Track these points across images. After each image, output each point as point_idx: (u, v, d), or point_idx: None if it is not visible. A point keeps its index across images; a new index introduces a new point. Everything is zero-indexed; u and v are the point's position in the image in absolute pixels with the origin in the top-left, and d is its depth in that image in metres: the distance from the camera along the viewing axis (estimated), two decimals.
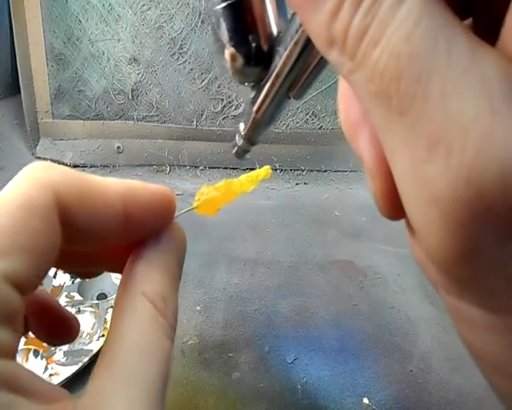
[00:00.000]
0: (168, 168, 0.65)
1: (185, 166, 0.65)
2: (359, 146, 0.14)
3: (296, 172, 0.65)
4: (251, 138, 0.19)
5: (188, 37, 0.61)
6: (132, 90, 0.64)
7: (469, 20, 0.14)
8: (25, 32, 0.62)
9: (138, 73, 0.63)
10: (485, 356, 0.13)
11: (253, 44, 0.15)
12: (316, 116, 0.65)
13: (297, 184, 0.64)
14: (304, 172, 0.65)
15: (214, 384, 0.32)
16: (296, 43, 0.15)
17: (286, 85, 0.16)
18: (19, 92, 0.65)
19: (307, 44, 0.15)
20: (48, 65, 0.64)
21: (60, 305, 0.19)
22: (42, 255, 0.14)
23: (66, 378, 0.30)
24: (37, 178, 0.15)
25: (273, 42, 0.16)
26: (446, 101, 0.09)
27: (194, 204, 0.24)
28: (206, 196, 0.23)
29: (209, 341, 0.35)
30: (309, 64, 0.15)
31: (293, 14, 0.15)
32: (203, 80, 0.63)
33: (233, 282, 0.42)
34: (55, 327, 0.19)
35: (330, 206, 0.57)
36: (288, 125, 0.65)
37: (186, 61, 0.62)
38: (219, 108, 0.64)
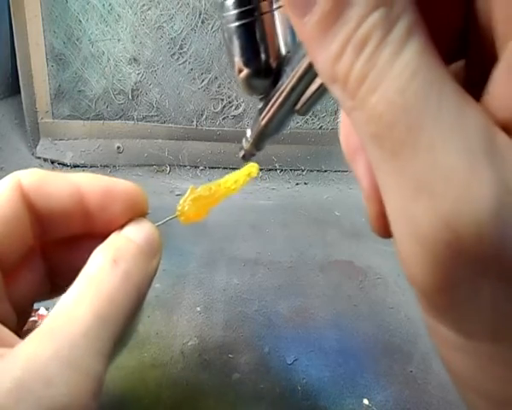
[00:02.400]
0: (168, 168, 0.65)
1: (185, 166, 0.65)
2: (357, 170, 0.16)
3: (296, 172, 0.65)
4: (257, 145, 0.20)
5: (188, 37, 0.61)
6: (132, 90, 0.64)
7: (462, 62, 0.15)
8: (25, 32, 0.62)
9: (138, 73, 0.63)
10: (460, 375, 0.14)
11: (263, 61, 0.17)
12: (316, 116, 0.65)
13: (297, 184, 0.64)
14: (304, 172, 0.65)
15: (214, 385, 0.32)
16: (303, 68, 0.16)
17: (291, 103, 0.17)
18: (19, 92, 0.65)
19: (313, 69, 0.15)
20: (48, 65, 0.64)
21: None
22: (12, 233, 0.19)
23: None
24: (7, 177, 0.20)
25: (281, 60, 0.17)
26: (433, 152, 0.10)
27: (177, 213, 0.24)
28: (190, 207, 0.23)
29: (209, 342, 0.35)
30: (313, 86, 0.16)
31: None
32: (203, 80, 0.63)
33: (233, 282, 0.42)
34: None
35: (330, 206, 0.57)
36: (287, 125, 0.64)
37: (186, 61, 0.62)
38: (219, 108, 0.64)
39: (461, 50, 0.15)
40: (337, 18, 0.11)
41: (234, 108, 0.64)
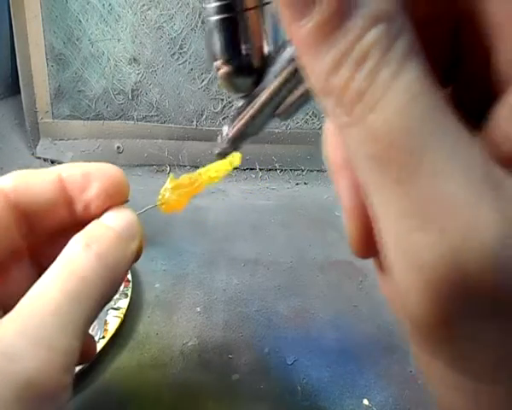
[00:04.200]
0: (168, 168, 0.65)
1: (185, 166, 0.65)
2: (340, 187, 0.15)
3: (296, 172, 0.65)
4: (233, 144, 0.19)
5: (188, 37, 0.61)
6: (132, 90, 0.64)
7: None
8: (25, 32, 0.62)
9: (138, 73, 0.63)
10: (448, 406, 0.13)
11: (244, 59, 0.16)
12: (316, 116, 0.64)
13: (297, 184, 0.64)
14: (304, 172, 0.65)
15: (214, 386, 0.32)
16: (287, 72, 0.15)
17: (272, 107, 0.16)
18: (19, 92, 0.65)
19: (298, 75, 0.15)
20: (48, 65, 0.64)
21: None
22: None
23: None
24: None
25: (264, 59, 0.16)
26: (437, 179, 0.10)
27: (158, 202, 0.24)
28: (170, 195, 0.23)
29: (209, 342, 0.35)
30: (298, 92, 0.16)
31: (289, 40, 0.15)
32: (203, 80, 0.63)
33: (233, 283, 0.42)
34: None
35: (330, 206, 0.57)
36: (288, 125, 0.64)
37: (186, 61, 0.62)
38: (219, 108, 0.64)
39: (449, 78, 0.15)
40: (337, 26, 0.10)
41: (234, 108, 0.64)
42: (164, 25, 0.61)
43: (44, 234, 0.22)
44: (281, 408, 0.30)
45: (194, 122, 0.65)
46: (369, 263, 0.17)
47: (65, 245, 0.20)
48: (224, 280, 0.42)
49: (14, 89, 0.68)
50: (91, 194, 0.22)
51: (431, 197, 0.10)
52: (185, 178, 0.24)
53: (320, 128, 0.65)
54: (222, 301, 0.39)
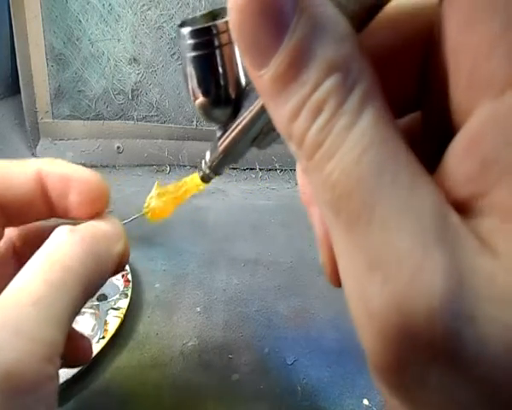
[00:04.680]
0: (168, 168, 0.65)
1: (185, 166, 0.65)
2: (311, 217, 0.16)
3: (296, 172, 0.65)
4: (215, 170, 0.20)
5: None
6: (132, 90, 0.64)
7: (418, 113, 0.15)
8: (25, 32, 0.62)
9: (138, 73, 0.63)
10: None
11: (222, 92, 0.16)
12: None
13: (297, 184, 0.64)
14: None
15: (214, 386, 0.32)
16: (260, 106, 0.15)
17: (249, 138, 0.17)
18: (19, 92, 0.65)
19: None
20: (48, 65, 0.64)
21: (72, 327, 0.20)
22: None
23: (66, 381, 0.30)
24: None
25: (241, 90, 0.16)
26: (386, 231, 0.10)
27: (144, 211, 0.24)
28: (156, 202, 0.24)
29: (209, 342, 0.35)
30: (272, 125, 0.16)
31: None
32: None
33: (233, 283, 0.42)
34: (70, 349, 0.19)
35: None
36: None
37: None
38: None
39: (418, 102, 0.15)
40: (293, 78, 0.11)
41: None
42: (164, 25, 0.61)
43: (23, 224, 0.22)
44: (281, 408, 0.30)
45: (194, 122, 0.65)
46: None
47: (47, 238, 0.19)
48: (224, 280, 0.42)
49: (14, 89, 0.68)
50: (71, 201, 0.21)
51: (380, 247, 0.10)
52: (171, 185, 0.24)
53: None
54: (222, 301, 0.39)
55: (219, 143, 0.18)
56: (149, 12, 0.60)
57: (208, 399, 0.31)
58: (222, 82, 0.16)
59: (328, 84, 0.10)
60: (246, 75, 0.16)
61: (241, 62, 0.16)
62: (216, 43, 0.15)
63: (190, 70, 0.16)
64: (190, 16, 0.16)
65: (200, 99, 0.16)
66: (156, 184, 0.24)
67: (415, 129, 0.15)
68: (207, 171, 0.20)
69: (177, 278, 0.42)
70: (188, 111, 0.64)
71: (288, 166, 0.65)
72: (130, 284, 0.39)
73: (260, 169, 0.65)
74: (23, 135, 0.67)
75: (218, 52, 0.15)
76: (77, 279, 0.18)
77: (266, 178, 0.65)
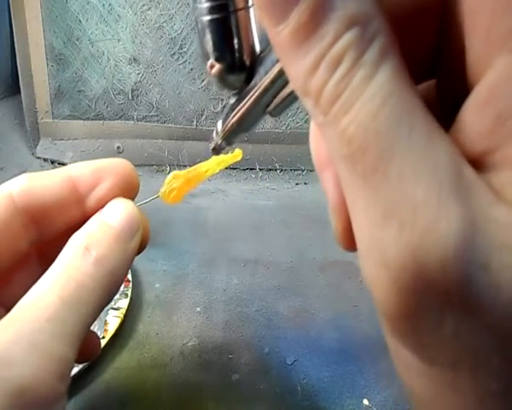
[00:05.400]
0: (168, 168, 0.65)
1: (185, 166, 0.65)
2: (325, 182, 0.16)
3: (296, 172, 0.65)
4: (227, 139, 0.20)
5: (188, 37, 0.61)
6: (132, 90, 0.64)
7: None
8: (25, 32, 0.62)
9: (138, 73, 0.63)
10: (421, 399, 0.14)
11: (236, 57, 0.16)
12: None
13: (297, 184, 0.64)
14: (304, 172, 0.65)
15: (214, 386, 0.32)
16: (276, 71, 0.15)
17: (263, 104, 0.17)
18: (19, 92, 0.65)
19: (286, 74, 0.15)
20: (48, 65, 0.64)
21: None
22: (3, 242, 0.20)
23: None
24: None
25: (256, 57, 0.16)
26: (403, 182, 0.10)
27: (160, 193, 0.25)
28: (171, 186, 0.24)
29: (209, 342, 0.35)
30: (288, 89, 0.16)
31: None
32: (203, 80, 0.63)
33: (233, 283, 0.42)
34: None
35: None
36: (288, 125, 0.64)
37: (186, 61, 0.62)
38: (219, 108, 0.64)
39: (433, 69, 0.15)
40: (312, 31, 0.11)
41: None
42: (164, 25, 0.61)
43: (55, 234, 0.22)
44: (281, 408, 0.30)
45: (194, 122, 0.65)
46: None
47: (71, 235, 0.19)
48: (224, 280, 0.42)
49: (14, 89, 0.68)
50: (102, 190, 0.21)
51: (396, 198, 0.10)
52: (186, 170, 0.25)
53: None
54: (222, 301, 0.39)
55: (233, 110, 0.18)
56: (149, 12, 0.60)
57: (208, 399, 0.31)
58: (237, 47, 0.16)
59: (348, 36, 0.10)
60: (260, 42, 0.16)
61: (256, 28, 0.16)
62: (231, 7, 0.15)
63: (205, 34, 0.16)
64: (190, 16, 0.16)
65: (216, 66, 0.16)
66: (173, 173, 0.25)
67: (429, 97, 0.15)
68: (219, 141, 0.20)
69: (177, 278, 0.42)
70: (188, 111, 0.64)
71: (287, 166, 0.65)
72: (130, 284, 0.39)
73: (260, 169, 0.65)
74: (23, 135, 0.67)
75: (233, 16, 0.15)
76: (91, 296, 0.18)
77: (266, 178, 0.65)
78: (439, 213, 0.10)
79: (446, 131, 0.11)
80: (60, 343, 0.17)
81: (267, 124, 0.64)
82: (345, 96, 0.11)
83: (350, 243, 0.15)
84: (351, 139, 0.11)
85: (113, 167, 0.22)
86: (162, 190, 0.25)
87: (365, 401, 0.31)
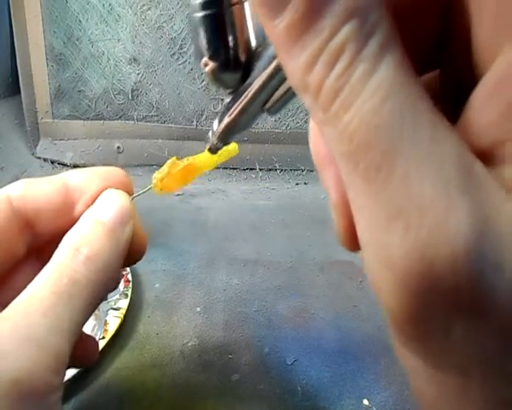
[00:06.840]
0: None
1: None
2: (326, 180, 0.15)
3: (296, 172, 0.65)
4: (223, 139, 0.19)
5: (188, 37, 0.61)
6: (132, 90, 0.64)
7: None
8: (25, 32, 0.62)
9: (138, 73, 0.63)
10: (427, 404, 0.13)
11: (231, 54, 0.15)
12: None
13: (297, 184, 0.64)
14: (304, 172, 0.65)
15: (214, 386, 0.32)
16: (272, 67, 0.15)
17: (260, 102, 0.16)
18: (19, 92, 0.65)
19: (283, 70, 0.15)
20: (48, 65, 0.64)
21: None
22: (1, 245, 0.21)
23: (66, 381, 0.30)
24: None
25: (251, 53, 0.16)
26: (408, 180, 0.10)
27: (152, 184, 0.24)
28: (164, 174, 0.24)
29: (209, 342, 0.35)
30: (285, 86, 0.15)
31: None
32: (203, 80, 0.63)
33: (233, 283, 0.42)
34: (76, 349, 0.19)
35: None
36: (288, 125, 0.64)
37: (186, 61, 0.62)
38: (219, 108, 0.64)
39: (437, 60, 0.14)
40: (310, 25, 0.10)
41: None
42: (164, 25, 0.61)
43: (50, 237, 0.23)
44: (281, 408, 0.30)
45: (194, 122, 0.65)
46: None
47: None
48: (224, 280, 0.42)
49: (14, 89, 0.68)
50: (92, 192, 0.22)
51: (401, 197, 0.10)
52: (182, 161, 0.25)
53: None
54: (222, 301, 0.39)
55: (229, 109, 0.17)
56: (149, 12, 0.60)
57: (208, 399, 0.31)
58: (231, 44, 0.15)
59: (346, 30, 0.10)
60: (257, 37, 0.16)
61: (252, 23, 0.15)
62: (226, 2, 0.15)
63: (199, 31, 0.15)
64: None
65: (210, 64, 0.16)
66: (171, 159, 0.24)
67: (431, 89, 0.14)
68: (215, 141, 0.19)
69: (177, 278, 0.42)
70: (188, 111, 0.64)
71: (287, 166, 0.65)
72: (131, 283, 0.39)
73: (260, 169, 0.65)
74: (23, 135, 0.67)
75: (227, 11, 0.15)
76: (84, 292, 0.18)
77: (266, 178, 0.65)
78: (447, 211, 0.09)
79: (452, 125, 0.11)
80: (55, 337, 0.17)
81: (267, 124, 0.64)
82: (345, 91, 0.10)
83: (352, 243, 0.15)
84: (352, 137, 0.10)
85: (104, 173, 0.23)
86: (154, 176, 0.25)
87: (365, 401, 0.31)
